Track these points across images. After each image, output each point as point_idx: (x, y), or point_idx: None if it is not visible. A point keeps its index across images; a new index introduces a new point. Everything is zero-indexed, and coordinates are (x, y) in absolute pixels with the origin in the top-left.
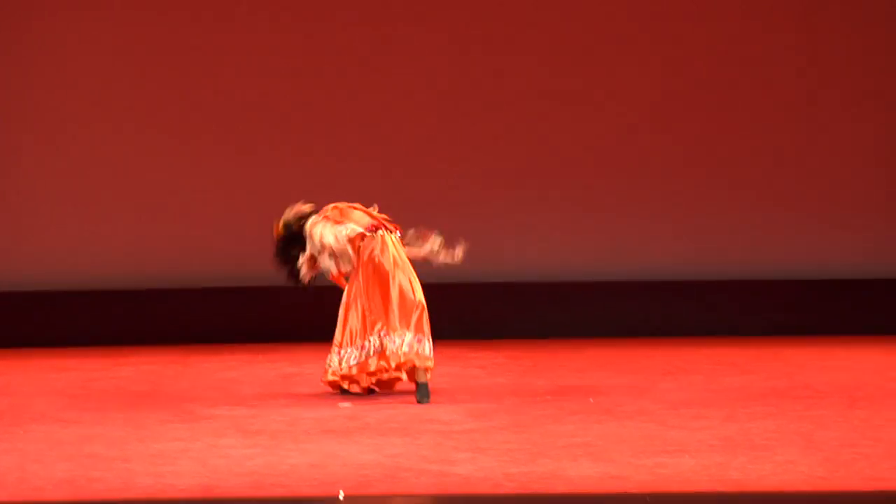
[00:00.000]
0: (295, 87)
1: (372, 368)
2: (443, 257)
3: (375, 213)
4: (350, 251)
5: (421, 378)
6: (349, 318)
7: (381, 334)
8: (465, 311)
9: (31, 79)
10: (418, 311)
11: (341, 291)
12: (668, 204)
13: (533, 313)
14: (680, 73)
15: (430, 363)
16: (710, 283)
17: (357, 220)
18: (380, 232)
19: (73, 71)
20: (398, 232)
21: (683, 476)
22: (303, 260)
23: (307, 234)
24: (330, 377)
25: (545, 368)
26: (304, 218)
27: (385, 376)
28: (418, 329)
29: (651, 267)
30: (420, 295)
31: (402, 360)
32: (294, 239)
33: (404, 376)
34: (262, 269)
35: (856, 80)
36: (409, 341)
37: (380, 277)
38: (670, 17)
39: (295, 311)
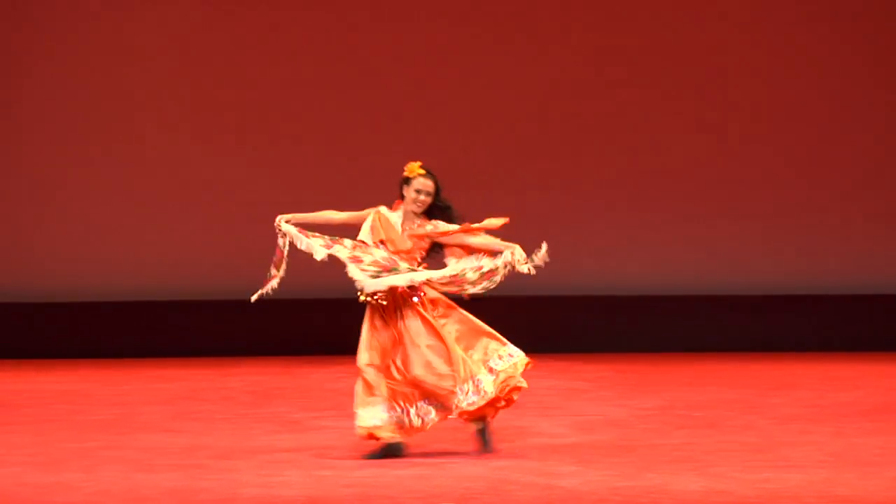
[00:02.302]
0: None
1: None
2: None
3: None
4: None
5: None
6: None
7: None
8: (572, 325)
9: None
10: None
11: None
12: (776, 218)
13: (640, 327)
14: (787, 84)
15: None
16: (819, 297)
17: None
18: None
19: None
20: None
21: (790, 492)
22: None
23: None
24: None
25: (652, 382)
26: None
27: None
28: None
29: (759, 281)
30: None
31: None
32: None
33: None
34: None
35: None
36: None
37: None
38: (774, 27)
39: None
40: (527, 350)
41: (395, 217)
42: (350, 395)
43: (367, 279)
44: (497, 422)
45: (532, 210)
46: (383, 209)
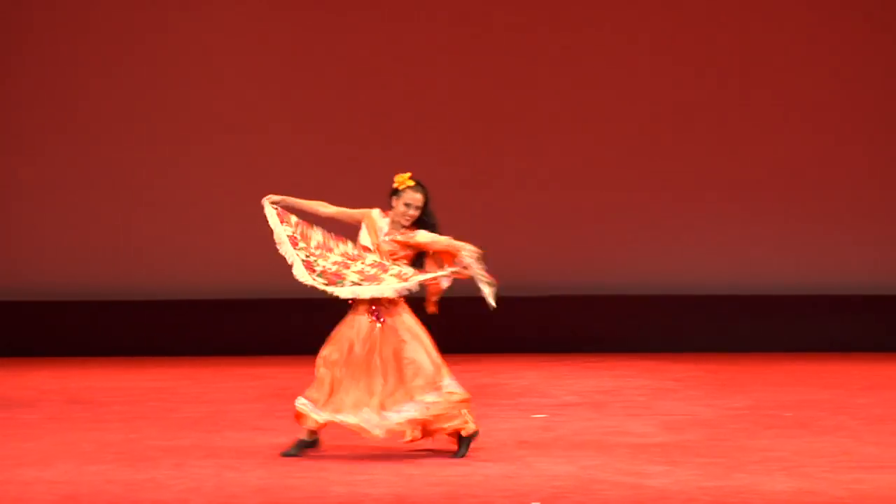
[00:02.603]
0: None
1: None
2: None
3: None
4: None
5: None
6: None
7: None
8: (661, 324)
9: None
10: None
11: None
12: (863, 217)
13: (729, 327)
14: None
15: None
16: None
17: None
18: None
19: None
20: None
21: (880, 492)
22: None
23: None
24: None
25: (741, 382)
26: None
27: None
28: None
29: (847, 280)
30: None
31: None
32: None
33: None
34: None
35: None
36: None
37: None
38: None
39: (489, 323)
40: (616, 349)
41: (382, 223)
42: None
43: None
44: (586, 421)
45: (617, 208)
46: (375, 212)
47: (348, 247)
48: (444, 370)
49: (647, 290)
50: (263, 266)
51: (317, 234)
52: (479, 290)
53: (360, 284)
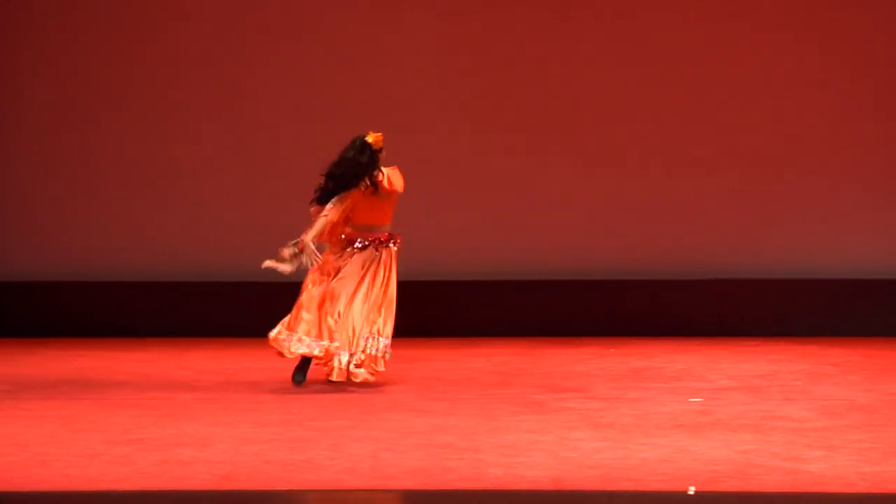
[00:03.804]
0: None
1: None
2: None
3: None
4: None
5: None
6: None
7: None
8: (818, 308)
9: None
10: None
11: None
12: None
13: (889, 311)
14: None
15: None
16: None
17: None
18: None
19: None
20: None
21: None
22: None
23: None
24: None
25: None
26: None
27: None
28: None
29: None
30: None
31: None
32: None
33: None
34: (615, 262)
35: None
36: None
37: None
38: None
39: (641, 305)
40: (773, 333)
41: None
42: (593, 376)
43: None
44: (743, 405)
45: (781, 193)
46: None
47: None
48: None
49: (804, 274)
50: (426, 247)
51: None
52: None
53: None
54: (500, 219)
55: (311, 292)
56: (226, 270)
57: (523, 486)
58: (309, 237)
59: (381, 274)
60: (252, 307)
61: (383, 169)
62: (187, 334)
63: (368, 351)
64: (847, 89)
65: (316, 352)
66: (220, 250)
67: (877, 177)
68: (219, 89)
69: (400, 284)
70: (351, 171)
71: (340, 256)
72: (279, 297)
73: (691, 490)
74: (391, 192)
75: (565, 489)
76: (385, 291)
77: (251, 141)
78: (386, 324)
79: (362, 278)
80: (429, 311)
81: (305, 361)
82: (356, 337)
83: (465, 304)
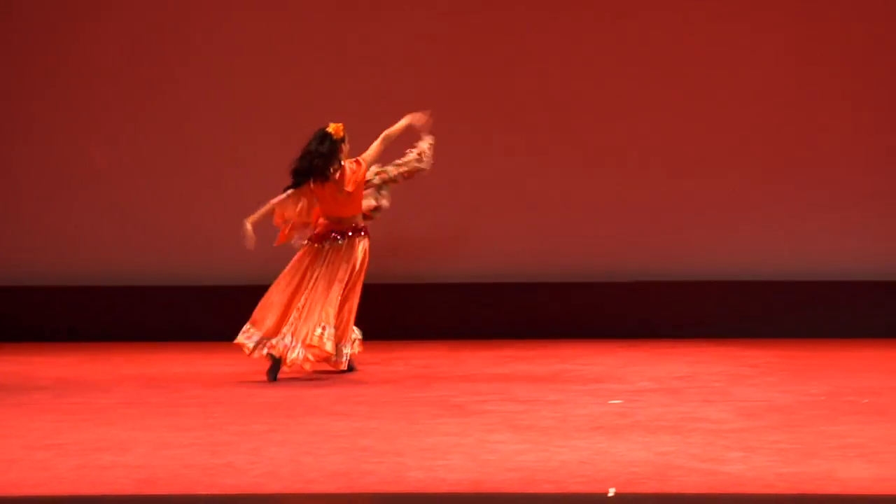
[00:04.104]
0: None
1: None
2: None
3: None
4: None
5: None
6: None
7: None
8: (737, 310)
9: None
10: None
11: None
12: None
13: (806, 313)
14: None
15: None
16: None
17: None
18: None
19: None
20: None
21: None
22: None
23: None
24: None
25: (817, 368)
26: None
27: None
28: None
29: None
30: None
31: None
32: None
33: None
34: (535, 264)
35: None
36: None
37: None
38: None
39: (561, 308)
40: (691, 335)
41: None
42: (512, 379)
43: None
44: (662, 407)
45: (698, 195)
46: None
47: None
48: None
49: (722, 276)
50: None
51: None
52: None
53: None
54: (424, 223)
55: (279, 285)
56: (146, 274)
57: (444, 488)
58: (249, 219)
59: (344, 266)
60: (173, 311)
61: (345, 162)
62: (106, 339)
63: (312, 342)
64: (783, 90)
65: (273, 352)
66: (140, 253)
67: (798, 179)
68: (138, 90)
69: None
70: (311, 163)
71: (313, 248)
72: (200, 301)
73: (611, 492)
74: (342, 187)
75: (486, 492)
76: (346, 283)
77: (168, 142)
78: (337, 316)
79: (325, 270)
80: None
81: (276, 361)
82: (310, 327)
83: (385, 306)
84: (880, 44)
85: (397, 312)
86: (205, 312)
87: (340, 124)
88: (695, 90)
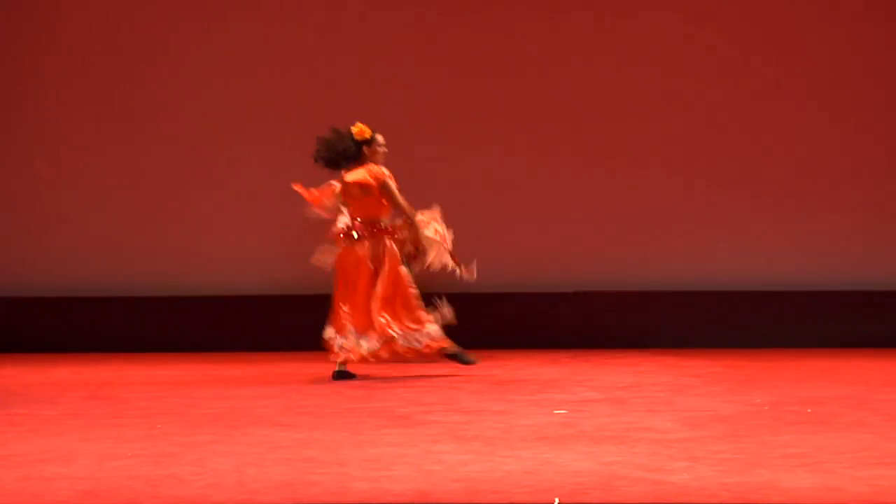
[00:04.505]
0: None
1: None
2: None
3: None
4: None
5: None
6: None
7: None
8: (682, 320)
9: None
10: None
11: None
12: (883, 212)
13: (751, 323)
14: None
15: None
16: None
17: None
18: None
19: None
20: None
21: None
22: None
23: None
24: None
25: (762, 378)
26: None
27: None
28: None
29: (867, 277)
30: None
31: None
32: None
33: None
34: (478, 275)
35: None
36: None
37: None
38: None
39: (505, 318)
40: (636, 345)
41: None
42: (458, 389)
43: None
44: (607, 417)
45: (637, 204)
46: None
47: None
48: None
49: (666, 286)
50: (285, 262)
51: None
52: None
53: None
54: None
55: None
56: (89, 284)
57: (388, 499)
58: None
59: (381, 267)
60: (117, 321)
61: (369, 165)
62: (50, 349)
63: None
64: (718, 99)
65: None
66: (83, 263)
67: (743, 188)
68: (91, 97)
69: (265, 297)
70: (324, 154)
71: (349, 248)
72: (145, 312)
73: (556, 502)
74: (351, 189)
75: (430, 502)
76: (388, 284)
77: (114, 152)
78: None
79: (366, 270)
80: (295, 324)
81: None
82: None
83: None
84: (850, 51)
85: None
86: (149, 323)
87: (365, 126)
88: (629, 99)
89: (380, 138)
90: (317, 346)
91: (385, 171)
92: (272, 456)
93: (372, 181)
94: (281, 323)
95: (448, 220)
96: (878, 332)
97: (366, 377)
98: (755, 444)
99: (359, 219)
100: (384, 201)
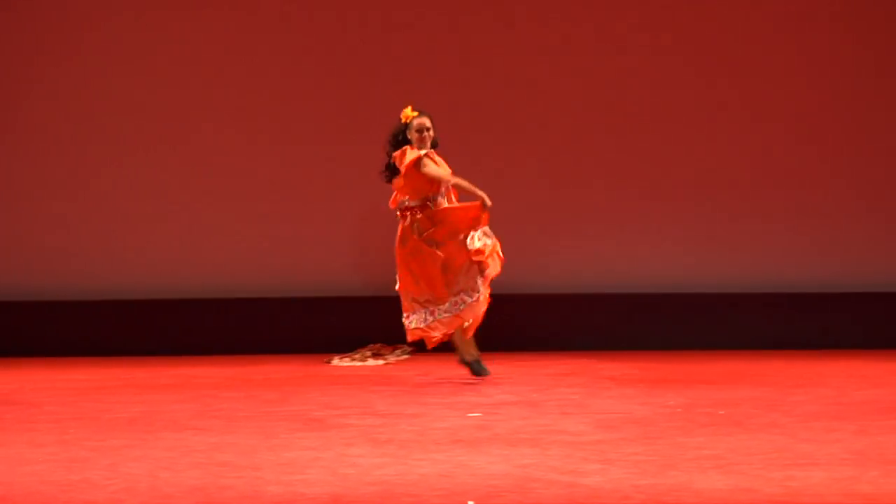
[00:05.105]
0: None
1: None
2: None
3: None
4: None
5: None
6: None
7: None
8: (595, 323)
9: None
10: None
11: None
12: (801, 216)
13: (664, 325)
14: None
15: None
16: (839, 295)
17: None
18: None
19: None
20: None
21: (814, 489)
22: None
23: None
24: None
25: (675, 380)
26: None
27: None
28: None
29: (781, 279)
30: None
31: None
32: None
33: None
34: (392, 277)
35: None
36: None
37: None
38: (802, 24)
39: None
40: (550, 348)
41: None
42: (372, 392)
43: None
44: (521, 419)
45: (554, 206)
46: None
47: None
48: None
49: (580, 289)
50: (196, 265)
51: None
52: None
53: None
54: (283, 235)
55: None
56: (6, 290)
57: (303, 503)
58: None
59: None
60: (24, 326)
61: (406, 148)
62: None
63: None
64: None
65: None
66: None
67: (655, 189)
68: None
69: (187, 301)
70: (388, 140)
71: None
72: (57, 316)
73: None
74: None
75: None
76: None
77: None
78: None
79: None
80: (207, 327)
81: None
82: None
83: (247, 320)
84: (793, 60)
85: (258, 326)
86: (60, 328)
87: (409, 108)
88: (540, 103)
89: (416, 123)
90: (232, 349)
91: (418, 152)
92: (185, 460)
93: (400, 165)
94: (194, 327)
95: (349, 225)
96: (789, 334)
97: (284, 382)
98: (668, 445)
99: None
100: (410, 182)
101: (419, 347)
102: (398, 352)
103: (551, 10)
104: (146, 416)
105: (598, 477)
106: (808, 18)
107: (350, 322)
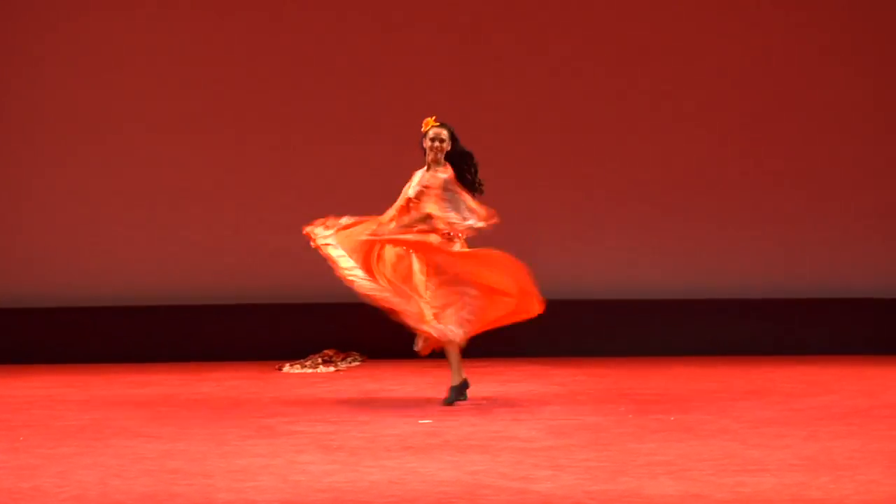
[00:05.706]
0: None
1: None
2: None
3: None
4: None
5: None
6: None
7: None
8: (546, 329)
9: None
10: None
11: None
12: (754, 221)
13: (615, 331)
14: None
15: None
16: (791, 301)
17: None
18: None
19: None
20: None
21: (764, 495)
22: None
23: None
24: None
25: (626, 386)
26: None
27: None
28: None
29: (734, 285)
30: None
31: None
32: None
33: None
34: (337, 285)
35: None
36: None
37: None
38: (788, 27)
39: (375, 328)
40: (501, 354)
41: (418, 174)
42: (323, 399)
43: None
44: (472, 426)
45: (506, 211)
46: (418, 173)
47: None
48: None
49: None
50: (149, 272)
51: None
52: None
53: None
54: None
55: None
56: None
57: None
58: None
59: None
60: None
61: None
62: None
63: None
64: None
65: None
66: None
67: (616, 196)
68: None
69: (138, 308)
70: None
71: None
72: (12, 322)
73: None
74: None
75: None
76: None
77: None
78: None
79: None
80: (158, 335)
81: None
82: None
83: (197, 326)
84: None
85: (206, 332)
86: (16, 335)
87: (431, 119)
88: (511, 107)
89: (431, 132)
90: (183, 356)
91: (421, 172)
92: (136, 467)
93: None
94: (145, 335)
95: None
96: (739, 340)
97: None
98: (619, 452)
99: None
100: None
101: (370, 354)
102: (349, 359)
103: (551, 11)
104: (97, 424)
105: (548, 483)
106: (774, 27)
107: (302, 329)
